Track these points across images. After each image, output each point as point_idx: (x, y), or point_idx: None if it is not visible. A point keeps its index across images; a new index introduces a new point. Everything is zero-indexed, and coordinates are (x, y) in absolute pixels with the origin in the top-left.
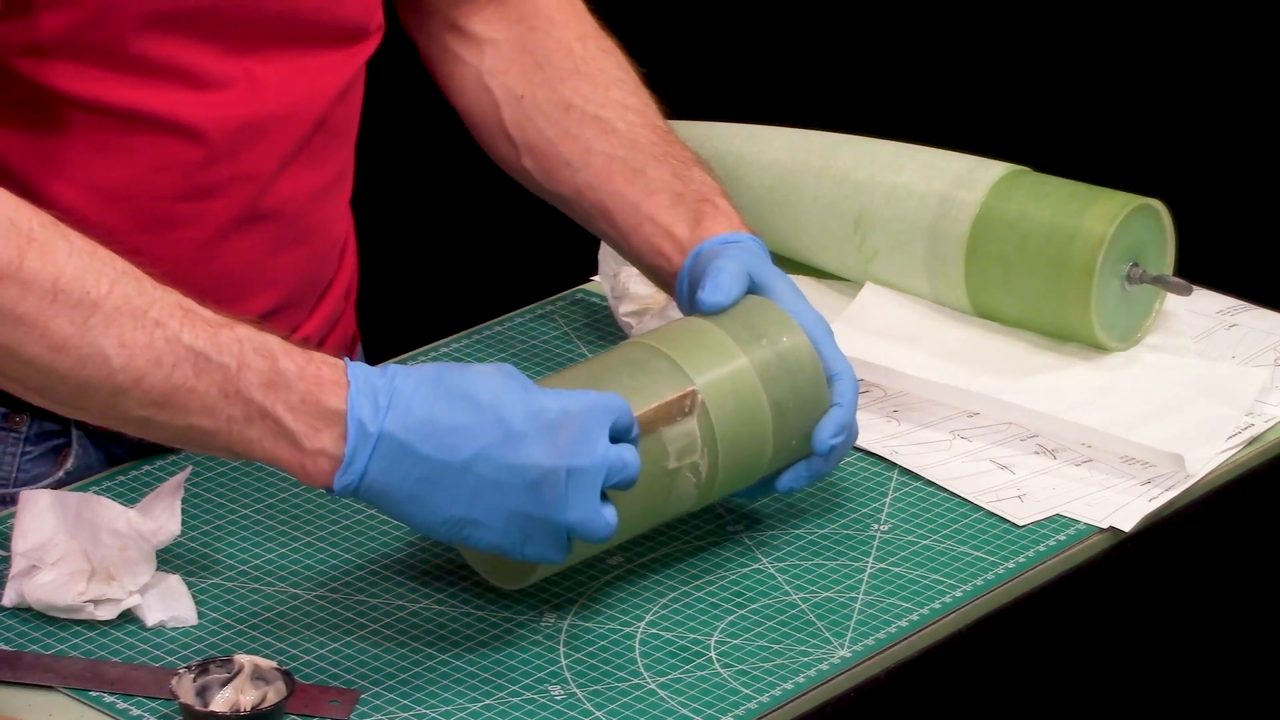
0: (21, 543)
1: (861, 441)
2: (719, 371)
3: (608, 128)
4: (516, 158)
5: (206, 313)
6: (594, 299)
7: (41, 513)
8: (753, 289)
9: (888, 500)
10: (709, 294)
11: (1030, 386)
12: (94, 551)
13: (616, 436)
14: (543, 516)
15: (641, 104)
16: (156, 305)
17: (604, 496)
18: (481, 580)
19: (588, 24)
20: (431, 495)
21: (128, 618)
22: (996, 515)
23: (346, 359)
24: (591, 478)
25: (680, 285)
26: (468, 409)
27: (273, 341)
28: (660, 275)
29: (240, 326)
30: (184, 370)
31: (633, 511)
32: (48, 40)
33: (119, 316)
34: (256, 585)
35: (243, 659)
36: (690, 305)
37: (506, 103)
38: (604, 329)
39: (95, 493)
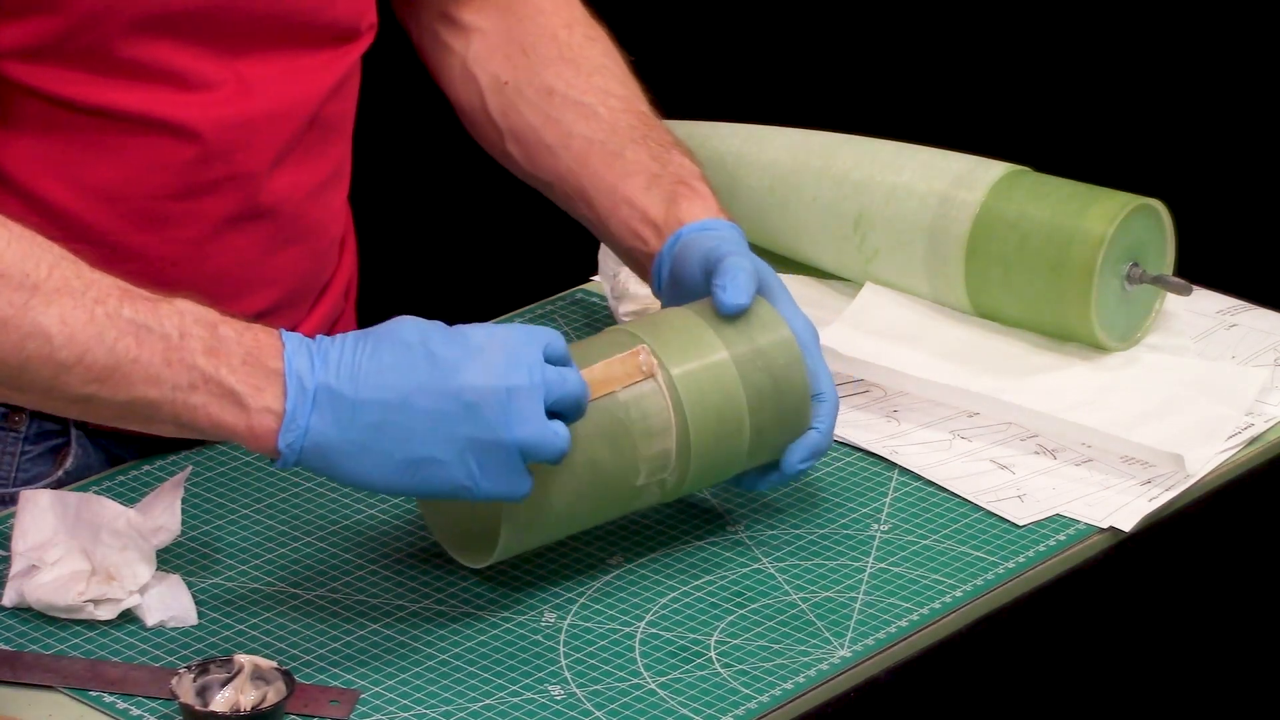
0: (21, 543)
1: (861, 441)
2: (700, 364)
3: (589, 112)
4: (501, 143)
5: (144, 291)
6: (594, 299)
7: (41, 512)
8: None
9: (888, 500)
10: (730, 295)
11: (1030, 386)
12: (94, 551)
13: (554, 364)
14: (491, 439)
15: (625, 90)
16: (95, 286)
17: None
18: (482, 580)
19: (576, 11)
20: (378, 441)
21: (128, 618)
22: (996, 515)
23: (281, 328)
24: (531, 394)
25: (658, 269)
26: (396, 349)
27: (211, 312)
28: (637, 258)
29: (179, 300)
30: (126, 343)
31: (595, 510)
32: (33, 44)
33: (59, 297)
34: (256, 585)
35: (243, 659)
36: (669, 291)
37: (491, 89)
38: (604, 329)
39: (95, 493)
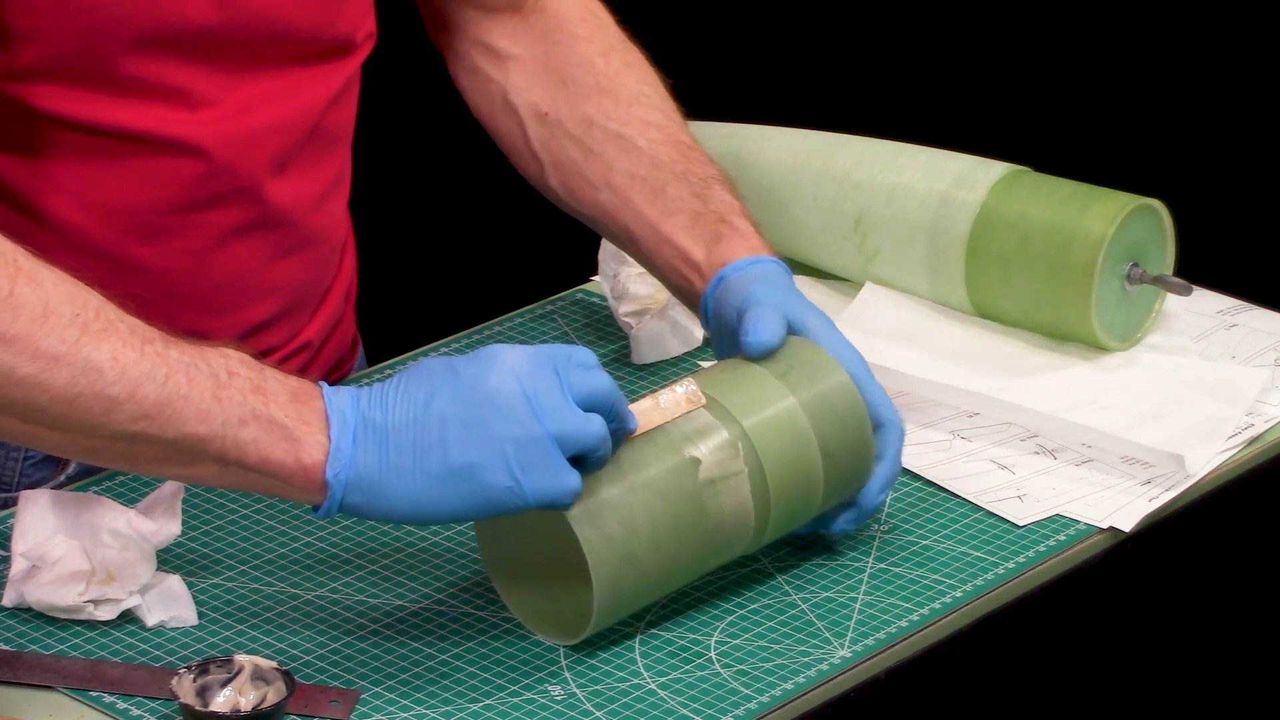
0: (21, 543)
1: None
2: (771, 412)
3: (629, 145)
4: (543, 176)
5: (185, 339)
6: (594, 299)
7: (41, 513)
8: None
9: (888, 500)
10: (753, 335)
11: (1030, 386)
12: (94, 551)
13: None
14: (524, 435)
15: (665, 120)
16: (140, 329)
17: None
18: (482, 580)
19: (612, 37)
20: (416, 460)
21: (128, 618)
22: (996, 515)
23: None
24: (556, 390)
25: (704, 310)
26: (420, 373)
27: (252, 359)
28: (686, 297)
29: (220, 346)
30: (177, 379)
31: (677, 562)
32: (37, 64)
33: (108, 335)
34: (256, 585)
35: (243, 659)
36: (716, 335)
37: (531, 120)
38: (604, 329)
39: (95, 493)
